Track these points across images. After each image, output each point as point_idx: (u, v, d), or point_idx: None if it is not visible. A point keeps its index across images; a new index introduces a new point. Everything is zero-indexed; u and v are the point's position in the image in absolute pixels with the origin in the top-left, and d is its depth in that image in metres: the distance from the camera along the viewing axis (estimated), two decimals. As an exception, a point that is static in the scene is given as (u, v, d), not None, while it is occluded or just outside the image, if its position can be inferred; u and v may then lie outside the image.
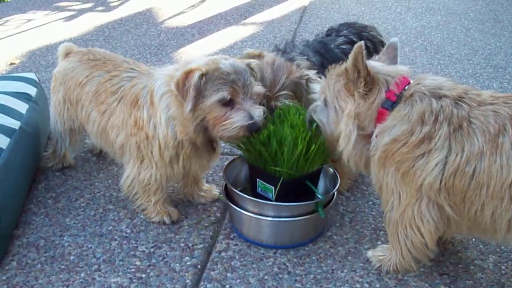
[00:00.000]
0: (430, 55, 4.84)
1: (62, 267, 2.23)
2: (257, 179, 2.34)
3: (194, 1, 6.43)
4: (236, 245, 2.38)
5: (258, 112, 2.16)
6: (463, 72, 4.46)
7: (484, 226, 1.90)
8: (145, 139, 2.30)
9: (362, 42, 1.92)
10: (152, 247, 2.35)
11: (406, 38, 5.27)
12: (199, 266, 2.24)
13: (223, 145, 2.63)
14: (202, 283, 2.15)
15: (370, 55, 2.64)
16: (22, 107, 2.75)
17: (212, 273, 2.21)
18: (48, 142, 2.94)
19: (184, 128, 2.20)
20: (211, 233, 2.46)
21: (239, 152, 2.46)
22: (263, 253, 2.33)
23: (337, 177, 2.46)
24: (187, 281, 2.16)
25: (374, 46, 3.02)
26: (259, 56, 2.32)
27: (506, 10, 6.34)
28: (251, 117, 2.13)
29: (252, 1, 6.43)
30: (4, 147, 2.41)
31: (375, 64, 2.07)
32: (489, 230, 1.91)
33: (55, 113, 2.77)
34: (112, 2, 6.44)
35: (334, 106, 2.07)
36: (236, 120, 2.12)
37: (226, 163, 2.59)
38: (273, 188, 2.26)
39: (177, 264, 2.25)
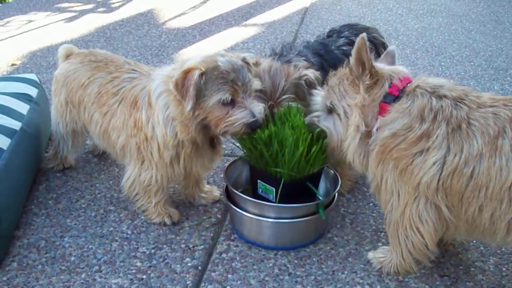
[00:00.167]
0: (431, 56, 4.84)
1: (63, 268, 2.23)
2: (258, 181, 2.34)
3: (195, 2, 6.43)
4: (237, 246, 2.38)
5: (258, 109, 2.18)
6: (464, 74, 4.45)
7: (483, 228, 1.90)
8: (145, 140, 2.31)
9: (365, 34, 1.93)
10: (153, 248, 2.35)
11: (407, 39, 5.27)
12: (199, 267, 2.24)
13: (224, 146, 2.63)
14: (202, 284, 2.15)
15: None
16: (23, 108, 2.75)
17: (213, 274, 2.21)
18: (49, 143, 2.94)
19: (185, 127, 2.21)
20: (212, 234, 2.46)
21: (240, 153, 2.46)
22: (263, 255, 2.33)
23: (338, 178, 2.46)
24: (188, 282, 2.16)
25: (376, 47, 3.01)
26: (256, 64, 2.33)
27: (507, 11, 6.33)
28: (253, 115, 2.15)
29: (254, 2, 6.43)
30: (5, 148, 2.42)
31: (379, 63, 2.10)
32: (487, 232, 1.91)
33: (57, 115, 2.76)
34: (113, 3, 6.44)
35: (342, 106, 2.08)
36: (239, 118, 2.14)
37: (227, 164, 2.59)
38: (274, 189, 2.26)
39: (178, 265, 2.25)
